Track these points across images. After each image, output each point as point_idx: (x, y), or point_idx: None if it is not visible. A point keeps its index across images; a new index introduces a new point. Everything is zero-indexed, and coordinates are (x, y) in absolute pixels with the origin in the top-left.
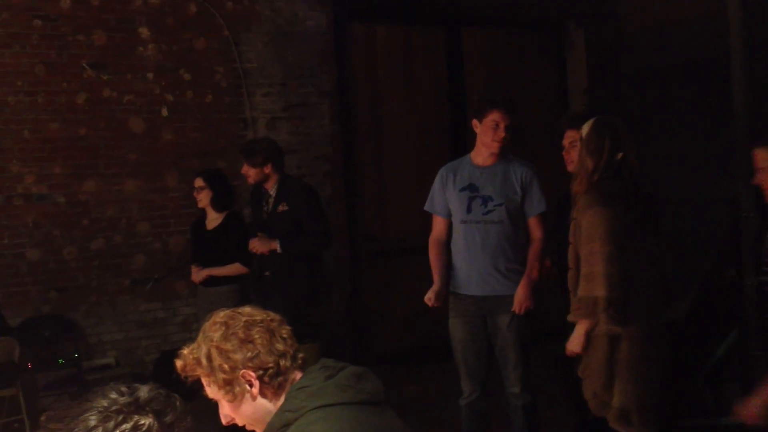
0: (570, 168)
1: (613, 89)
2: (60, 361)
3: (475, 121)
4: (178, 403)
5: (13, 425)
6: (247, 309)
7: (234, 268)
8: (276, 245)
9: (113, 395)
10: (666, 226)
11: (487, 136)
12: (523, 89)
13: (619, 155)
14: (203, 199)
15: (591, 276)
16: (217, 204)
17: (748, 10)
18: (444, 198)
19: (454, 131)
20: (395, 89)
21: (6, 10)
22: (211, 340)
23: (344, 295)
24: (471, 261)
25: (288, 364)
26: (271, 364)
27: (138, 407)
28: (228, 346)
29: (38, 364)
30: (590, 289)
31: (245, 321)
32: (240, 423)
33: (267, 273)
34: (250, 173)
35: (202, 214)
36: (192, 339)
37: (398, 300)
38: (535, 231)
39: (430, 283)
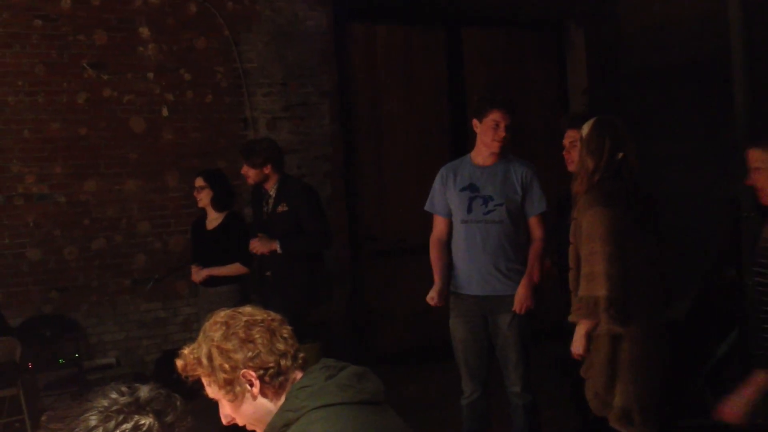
0: (570, 168)
1: (613, 89)
2: (61, 361)
3: (475, 121)
4: (178, 403)
5: (14, 425)
6: (247, 309)
7: (234, 268)
8: (276, 246)
9: (114, 395)
10: (666, 226)
11: (488, 135)
12: (523, 89)
13: (620, 155)
14: (203, 198)
15: (591, 276)
16: (217, 204)
17: (748, 10)
18: (444, 198)
19: (454, 131)
20: (395, 89)
21: (6, 9)
22: (212, 340)
23: (344, 295)
24: (471, 261)
25: (289, 363)
26: (271, 364)
27: (138, 407)
28: (229, 345)
29: (39, 364)
30: (591, 289)
31: (246, 321)
32: (240, 423)
33: (268, 273)
34: (250, 174)
35: (203, 214)
36: (193, 339)
37: (398, 300)
38: (536, 231)
39: (431, 283)
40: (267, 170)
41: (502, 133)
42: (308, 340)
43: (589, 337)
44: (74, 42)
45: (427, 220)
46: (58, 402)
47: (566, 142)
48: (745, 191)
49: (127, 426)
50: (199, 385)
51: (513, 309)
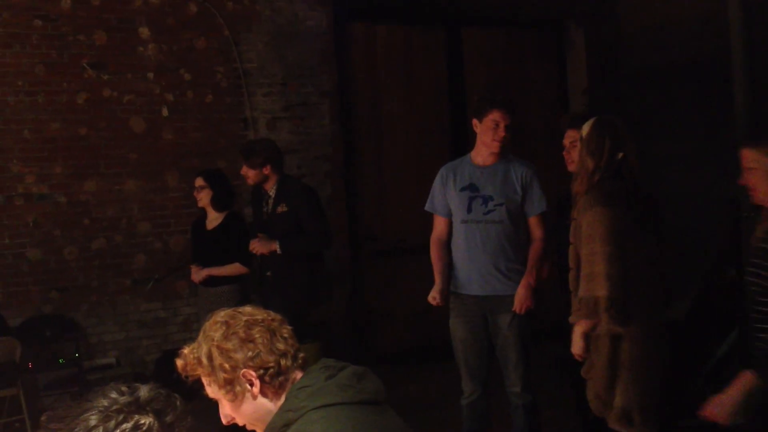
0: (571, 168)
1: (613, 89)
2: (61, 360)
3: (475, 121)
4: (178, 403)
5: (14, 425)
6: (247, 308)
7: (234, 268)
8: (276, 246)
9: (114, 395)
10: (666, 226)
11: (487, 135)
12: (523, 89)
13: (620, 155)
14: (203, 198)
15: (592, 276)
16: (217, 204)
17: (748, 10)
18: (444, 198)
19: (454, 131)
20: (395, 89)
21: (6, 9)
22: (212, 340)
23: (344, 295)
24: (471, 261)
25: (289, 363)
26: (271, 364)
27: (138, 407)
28: (229, 345)
29: (39, 363)
30: (591, 290)
31: (246, 320)
32: (240, 423)
33: (268, 273)
34: (250, 174)
35: (203, 214)
36: (193, 339)
37: (398, 300)
38: (536, 231)
39: (431, 282)
40: (266, 171)
41: (501, 133)
42: (308, 340)
43: (588, 337)
44: (74, 42)
45: (427, 220)
46: (58, 402)
47: (566, 142)
48: (745, 191)
49: (128, 426)
50: (199, 385)
51: (513, 309)
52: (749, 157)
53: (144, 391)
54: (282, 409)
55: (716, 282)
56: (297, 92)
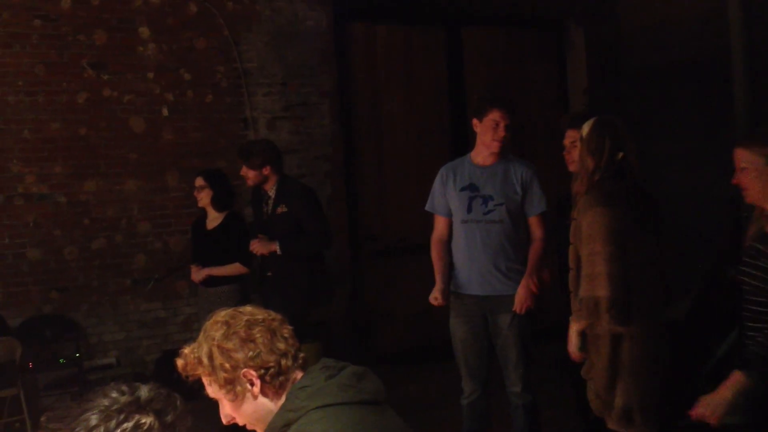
0: (571, 168)
1: (614, 89)
2: (61, 360)
3: (475, 121)
4: (178, 403)
5: (14, 425)
6: (248, 308)
7: (234, 268)
8: (276, 247)
9: (114, 394)
10: (666, 226)
11: (487, 135)
12: (523, 89)
13: (620, 155)
14: (203, 198)
15: (592, 276)
16: (217, 203)
17: (748, 10)
18: (444, 198)
19: (454, 131)
20: (395, 89)
21: (6, 9)
22: (213, 339)
23: (345, 295)
24: (472, 260)
25: (289, 363)
26: (272, 364)
27: (139, 406)
28: (229, 345)
29: (39, 363)
30: (592, 290)
31: (247, 320)
32: (241, 422)
33: (269, 273)
34: (249, 175)
35: (203, 214)
36: (193, 339)
37: (399, 300)
38: (536, 230)
39: (431, 282)
40: (266, 171)
41: (501, 133)
42: (308, 340)
43: (585, 336)
44: (74, 42)
45: (427, 219)
46: (58, 402)
47: (567, 142)
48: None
49: (128, 425)
50: (199, 385)
51: (513, 309)
52: (742, 156)
53: (144, 390)
54: (282, 409)
55: (716, 282)
56: (297, 92)
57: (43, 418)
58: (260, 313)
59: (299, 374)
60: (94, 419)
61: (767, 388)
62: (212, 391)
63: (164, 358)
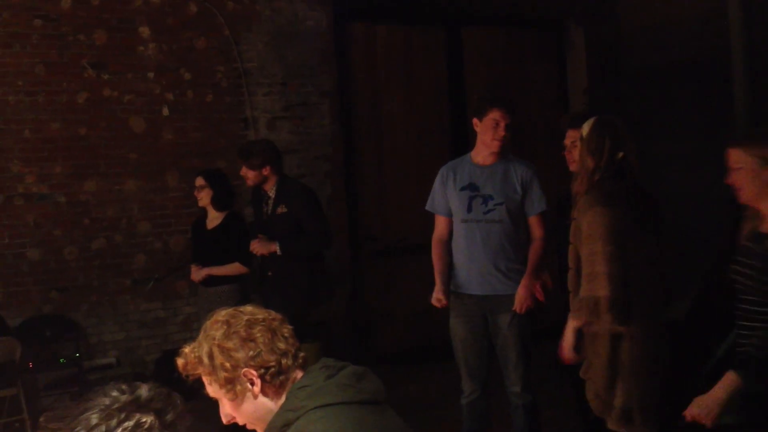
0: (572, 168)
1: (614, 89)
2: (61, 360)
3: (475, 120)
4: (178, 402)
5: (14, 425)
6: (248, 308)
7: (234, 268)
8: (276, 248)
9: (114, 393)
10: (666, 226)
11: (487, 134)
12: (523, 89)
13: (620, 155)
14: (204, 198)
15: (593, 276)
16: (217, 203)
17: (748, 10)
18: (444, 197)
19: (454, 131)
20: (395, 89)
21: (6, 9)
22: (213, 339)
23: (344, 295)
24: (472, 260)
25: (289, 363)
26: (272, 363)
27: (139, 405)
28: (230, 344)
29: (39, 363)
30: (592, 290)
31: (247, 320)
32: (241, 422)
33: (269, 273)
34: (249, 175)
35: (203, 214)
36: (193, 338)
37: (398, 300)
38: (536, 230)
39: (431, 282)
40: (266, 172)
41: (502, 132)
42: (308, 339)
43: (582, 336)
44: (74, 42)
45: (428, 219)
46: (58, 402)
47: (567, 142)
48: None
49: (129, 424)
50: (199, 385)
51: (513, 309)
52: (735, 157)
53: (144, 390)
54: (282, 409)
55: (716, 282)
56: (297, 92)
57: (42, 418)
58: (260, 313)
59: (299, 374)
60: (94, 418)
61: (763, 388)
62: (212, 390)
63: (164, 357)
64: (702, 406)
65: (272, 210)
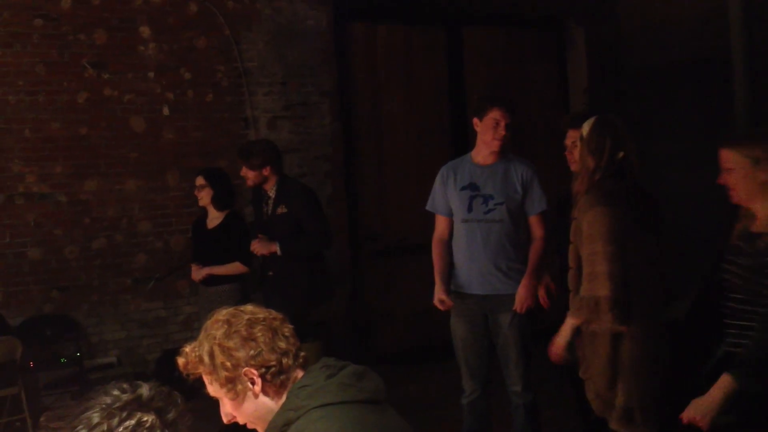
0: (573, 168)
1: (614, 89)
2: (62, 360)
3: (475, 120)
4: (179, 401)
5: (15, 424)
6: (249, 307)
7: (234, 267)
8: (276, 248)
9: (116, 392)
10: (666, 226)
11: (488, 134)
12: (524, 89)
13: (620, 154)
14: (204, 197)
15: (593, 276)
16: (217, 203)
17: (748, 9)
18: (445, 197)
19: (454, 131)
20: (395, 89)
21: (7, 9)
22: (214, 338)
23: (345, 294)
24: (472, 260)
25: (290, 362)
26: (273, 362)
27: (141, 404)
28: (230, 343)
29: (40, 363)
30: (592, 289)
31: (248, 319)
32: (241, 421)
33: (270, 273)
34: (249, 176)
35: (203, 213)
36: (193, 338)
37: (399, 300)
38: (536, 230)
39: (431, 282)
40: (266, 172)
41: (502, 132)
42: (309, 339)
43: (578, 333)
44: (75, 41)
45: (428, 219)
46: (59, 401)
47: (568, 142)
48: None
49: (131, 423)
50: (199, 384)
51: (514, 308)
52: (727, 157)
53: (145, 389)
54: (283, 408)
55: (716, 282)
56: (297, 92)
57: (43, 418)
58: (261, 312)
59: (300, 373)
60: (96, 417)
61: (760, 388)
62: (213, 389)
63: (165, 357)
64: (698, 409)
65: (272, 210)
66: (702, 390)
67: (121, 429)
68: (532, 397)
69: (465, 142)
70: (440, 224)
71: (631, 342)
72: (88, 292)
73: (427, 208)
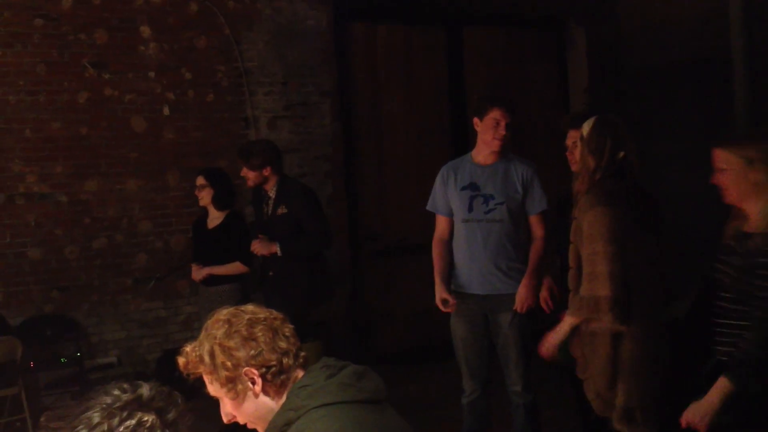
0: (574, 168)
1: (614, 88)
2: (62, 360)
3: (476, 120)
4: (180, 401)
5: (15, 424)
6: (249, 307)
7: (234, 267)
8: (276, 248)
9: (116, 392)
10: (666, 226)
11: (488, 134)
12: (524, 89)
13: (621, 154)
14: (204, 197)
15: (594, 276)
16: (218, 202)
17: (748, 10)
18: (445, 197)
19: (454, 131)
20: (395, 89)
21: (7, 9)
22: (214, 338)
23: (345, 294)
24: (472, 260)
25: (290, 362)
26: (273, 362)
27: (141, 404)
28: (231, 343)
29: (40, 363)
30: (593, 289)
31: (248, 319)
32: (241, 421)
33: (270, 273)
34: (249, 176)
35: (204, 213)
36: (194, 338)
37: (399, 300)
38: (537, 229)
39: (431, 282)
40: (266, 172)
41: (502, 132)
42: (309, 339)
43: (574, 333)
44: (75, 41)
45: (428, 219)
46: (59, 401)
47: (569, 142)
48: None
49: (131, 422)
50: (200, 384)
51: (514, 308)
52: (721, 157)
53: (146, 389)
54: (283, 408)
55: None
56: (297, 91)
57: (43, 418)
58: (262, 312)
59: (300, 373)
60: (96, 417)
61: (758, 388)
62: (213, 389)
63: (165, 357)
64: (696, 412)
65: (272, 210)
66: (702, 390)
67: (121, 429)
68: (532, 397)
69: (465, 142)
70: (440, 224)
71: (631, 342)
72: (88, 292)
73: (428, 208)
